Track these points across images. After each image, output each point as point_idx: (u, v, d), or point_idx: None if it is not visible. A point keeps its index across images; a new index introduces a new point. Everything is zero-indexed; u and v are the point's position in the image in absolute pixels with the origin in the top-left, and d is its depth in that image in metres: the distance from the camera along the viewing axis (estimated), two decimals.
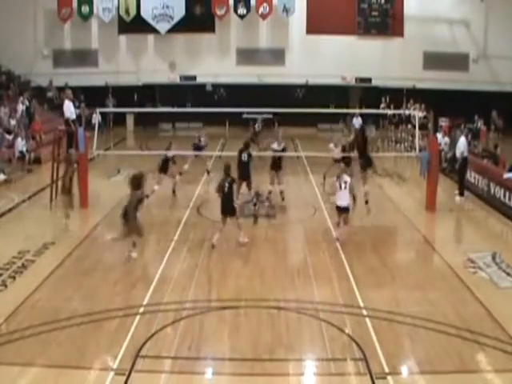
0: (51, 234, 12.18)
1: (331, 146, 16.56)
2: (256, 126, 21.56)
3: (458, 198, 15.51)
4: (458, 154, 16.12)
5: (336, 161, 15.52)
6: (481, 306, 8.67)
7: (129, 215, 10.58)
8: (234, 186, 11.53)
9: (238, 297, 8.98)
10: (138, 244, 10.72)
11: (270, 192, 14.86)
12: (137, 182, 10.69)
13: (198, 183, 16.65)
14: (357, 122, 24.63)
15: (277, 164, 14.88)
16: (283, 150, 15.19)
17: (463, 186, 15.74)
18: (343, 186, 11.45)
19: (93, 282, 9.56)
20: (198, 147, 17.13)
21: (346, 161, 14.60)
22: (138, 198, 10.70)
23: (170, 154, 15.18)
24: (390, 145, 24.60)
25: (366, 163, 14.57)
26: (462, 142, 16.03)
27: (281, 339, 7.62)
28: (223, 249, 11.26)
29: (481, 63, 29.80)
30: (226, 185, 11.19)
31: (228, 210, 11.26)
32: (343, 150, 15.77)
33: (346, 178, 11.56)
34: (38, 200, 15.09)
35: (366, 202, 14.09)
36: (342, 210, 11.57)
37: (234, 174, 12.38)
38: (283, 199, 14.91)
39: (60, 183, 13.45)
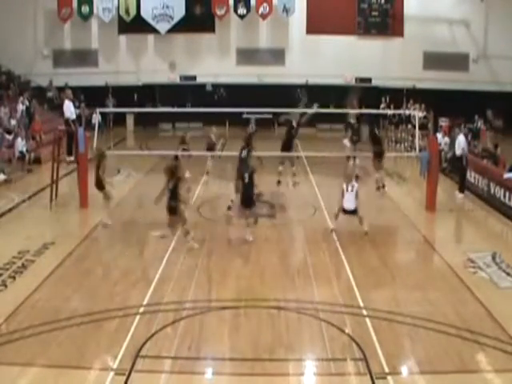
0: (51, 234, 12.18)
1: (345, 141, 16.58)
2: (250, 127, 21.14)
3: (458, 194, 15.58)
4: (458, 152, 16.16)
5: (349, 157, 15.76)
6: (481, 305, 8.67)
7: (178, 205, 10.83)
8: (255, 176, 11.58)
9: (238, 297, 8.98)
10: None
11: (280, 172, 15.57)
12: (170, 171, 10.91)
13: (198, 183, 16.63)
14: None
15: (290, 143, 15.57)
16: (298, 124, 15.72)
17: (464, 184, 15.80)
18: (350, 188, 11.67)
19: (93, 282, 9.56)
20: (210, 146, 17.02)
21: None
22: (177, 185, 10.91)
23: (185, 153, 15.35)
24: (390, 145, 24.58)
25: (380, 152, 15.00)
26: (462, 139, 16.14)
27: (281, 339, 7.62)
28: (223, 249, 11.26)
29: (481, 63, 29.80)
30: (246, 176, 11.22)
31: (249, 201, 11.27)
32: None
33: (354, 183, 11.78)
34: (37, 200, 15.08)
35: (378, 188, 14.45)
36: (350, 213, 11.83)
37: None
38: (295, 183, 15.48)
39: (94, 178, 13.39)
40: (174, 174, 10.89)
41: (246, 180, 11.12)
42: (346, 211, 11.83)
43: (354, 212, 11.78)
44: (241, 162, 14.11)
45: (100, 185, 12.95)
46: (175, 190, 10.80)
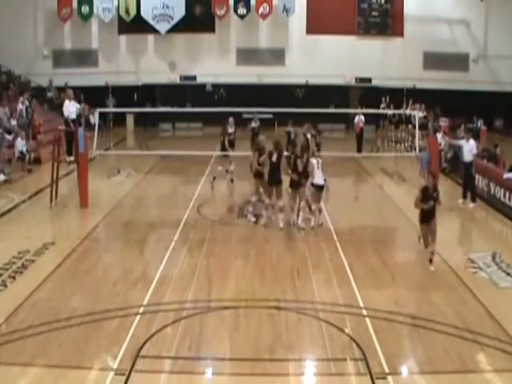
0: (51, 234, 12.18)
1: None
2: (253, 121, 20.10)
3: (470, 203, 14.91)
4: (470, 158, 14.99)
5: None
6: (481, 305, 8.66)
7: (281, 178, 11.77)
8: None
9: (238, 297, 8.97)
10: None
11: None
12: (277, 144, 11.72)
13: (198, 183, 16.64)
14: (359, 120, 24.14)
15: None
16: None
17: (474, 191, 15.07)
18: (318, 166, 12.17)
19: (93, 282, 9.55)
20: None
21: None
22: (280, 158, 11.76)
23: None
24: (390, 145, 24.58)
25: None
26: (473, 144, 15.21)
27: (281, 339, 7.61)
28: (223, 249, 11.27)
29: (481, 63, 29.84)
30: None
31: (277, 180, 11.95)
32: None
33: (318, 158, 12.34)
34: (38, 200, 15.07)
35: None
36: (319, 188, 12.25)
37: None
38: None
39: (253, 168, 12.86)
40: (279, 147, 11.54)
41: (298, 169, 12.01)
42: (317, 187, 12.23)
43: (322, 188, 12.25)
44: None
45: (257, 175, 12.68)
46: (279, 163, 11.53)
